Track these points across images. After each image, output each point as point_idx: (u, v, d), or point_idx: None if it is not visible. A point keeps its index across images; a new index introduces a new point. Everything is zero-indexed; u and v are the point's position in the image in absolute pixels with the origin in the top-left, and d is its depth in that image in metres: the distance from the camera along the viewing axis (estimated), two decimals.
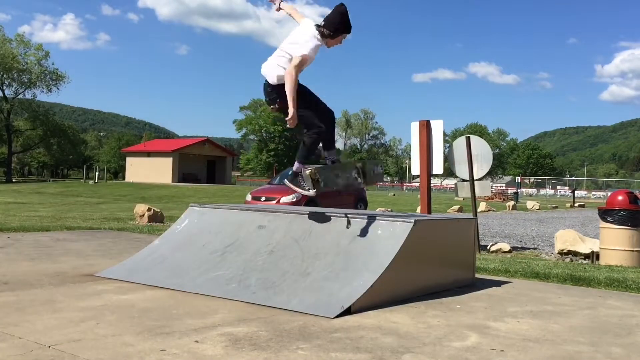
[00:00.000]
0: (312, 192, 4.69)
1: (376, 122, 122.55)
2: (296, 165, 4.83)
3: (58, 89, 69.48)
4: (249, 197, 13.81)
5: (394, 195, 50.17)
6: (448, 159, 9.35)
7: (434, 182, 68.52)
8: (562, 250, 8.85)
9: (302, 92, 4.62)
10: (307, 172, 4.66)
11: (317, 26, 4.49)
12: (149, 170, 55.18)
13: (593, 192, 74.05)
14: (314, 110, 4.71)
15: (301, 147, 4.81)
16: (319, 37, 4.47)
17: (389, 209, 17.78)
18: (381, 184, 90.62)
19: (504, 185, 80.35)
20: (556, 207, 33.74)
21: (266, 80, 4.66)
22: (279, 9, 4.89)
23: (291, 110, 4.36)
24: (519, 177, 77.31)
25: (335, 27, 4.43)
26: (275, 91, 4.58)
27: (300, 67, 4.38)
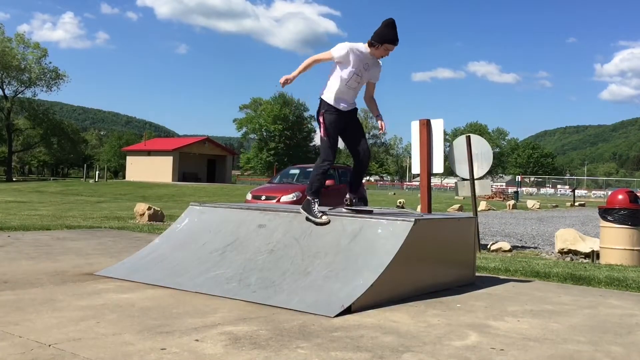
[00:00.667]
0: (324, 219, 4.75)
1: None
2: (307, 196, 4.95)
3: (58, 87, 69.46)
4: (249, 196, 13.77)
5: (394, 194, 50.15)
6: (448, 158, 9.35)
7: (434, 181, 68.49)
8: (563, 249, 8.85)
9: (350, 129, 5.09)
10: (323, 219, 4.76)
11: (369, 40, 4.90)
12: (149, 169, 55.14)
13: (593, 191, 74.04)
14: (348, 143, 5.15)
15: (311, 176, 5.11)
16: (360, 47, 4.83)
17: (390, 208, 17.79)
18: (381, 182, 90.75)
19: (504, 184, 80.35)
20: (556, 206, 33.75)
21: None
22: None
23: (290, 75, 4.87)
24: (519, 176, 77.38)
25: (379, 37, 4.83)
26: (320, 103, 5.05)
27: (321, 56, 4.92)
